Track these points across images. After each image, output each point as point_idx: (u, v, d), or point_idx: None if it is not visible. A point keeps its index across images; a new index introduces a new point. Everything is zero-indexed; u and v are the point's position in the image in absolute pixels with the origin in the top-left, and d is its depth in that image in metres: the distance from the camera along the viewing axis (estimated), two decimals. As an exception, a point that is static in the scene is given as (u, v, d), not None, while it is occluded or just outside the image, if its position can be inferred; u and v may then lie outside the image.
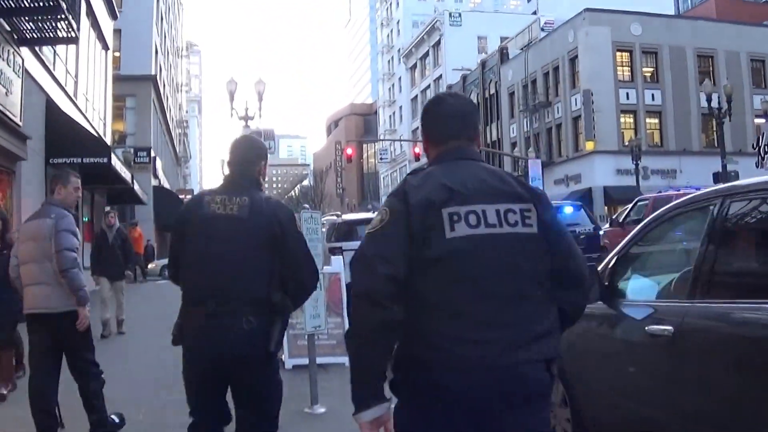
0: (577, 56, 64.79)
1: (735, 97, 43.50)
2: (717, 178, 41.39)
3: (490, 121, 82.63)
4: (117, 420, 8.76)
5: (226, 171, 5.84)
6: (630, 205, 27.42)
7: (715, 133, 63.31)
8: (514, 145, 76.57)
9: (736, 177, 39.24)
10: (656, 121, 64.36)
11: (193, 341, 5.36)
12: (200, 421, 5.52)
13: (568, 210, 24.28)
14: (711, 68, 65.10)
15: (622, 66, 63.94)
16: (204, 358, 5.32)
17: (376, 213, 3.94)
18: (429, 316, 3.54)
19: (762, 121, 61.62)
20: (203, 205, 5.53)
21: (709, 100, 43.73)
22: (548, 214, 3.74)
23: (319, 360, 10.53)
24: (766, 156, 41.58)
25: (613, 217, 34.97)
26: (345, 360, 8.05)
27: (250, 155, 5.81)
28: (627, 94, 63.34)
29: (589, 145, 62.00)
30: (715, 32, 65.15)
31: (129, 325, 18.77)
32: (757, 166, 42.07)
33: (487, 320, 3.51)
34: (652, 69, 64.68)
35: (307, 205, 13.94)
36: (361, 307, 3.50)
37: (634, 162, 53.00)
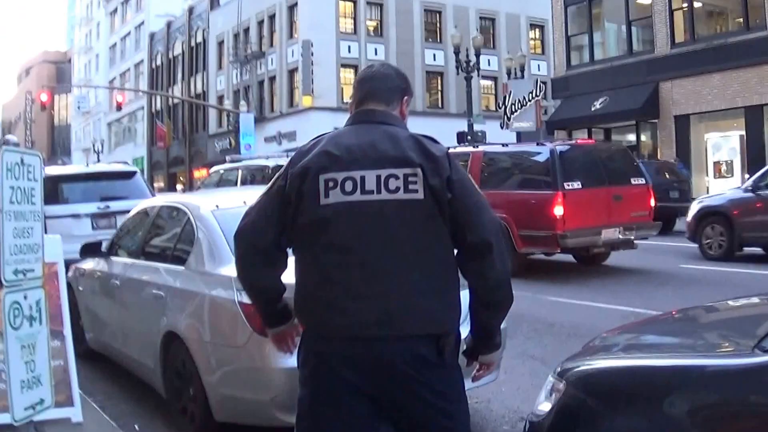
0: (296, 4, 59.39)
1: (463, 56, 40.11)
2: (462, 138, 37.80)
3: (195, 72, 76.47)
4: None
5: None
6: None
7: (439, 92, 62.10)
8: (221, 98, 70.32)
9: (484, 137, 37.22)
10: (379, 77, 59.51)
11: None
12: None
13: None
14: (438, 24, 62.02)
15: (345, 17, 59.14)
16: None
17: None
18: (305, 281, 3.66)
19: (486, 82, 59.77)
20: None
21: (457, 52, 39.75)
22: (437, 179, 3.54)
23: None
24: (512, 116, 38.56)
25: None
26: (71, 412, 6.03)
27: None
28: (349, 47, 58.67)
29: (306, 101, 56.95)
30: (445, -15, 61.54)
31: None
32: (502, 127, 40.01)
33: (357, 289, 3.51)
34: (376, 21, 60.37)
35: (12, 137, 6.77)
36: (237, 268, 3.86)
37: (356, 120, 48.32)
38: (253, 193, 4.25)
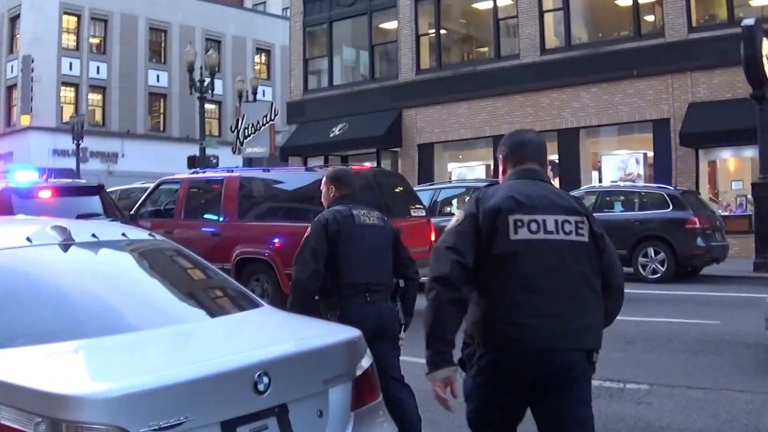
0: (19, 16, 52.65)
1: (197, 76, 35.08)
2: (194, 162, 33.36)
3: None
4: None
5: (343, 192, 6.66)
6: (148, 190, 18.07)
7: (162, 115, 57.39)
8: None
9: (217, 163, 34.23)
10: (100, 97, 54.69)
11: (357, 321, 5.38)
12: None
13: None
14: (163, 43, 57.17)
15: (68, 32, 52.87)
16: (368, 331, 5.17)
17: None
18: (492, 303, 3.99)
19: (210, 106, 57.23)
20: (355, 217, 6.24)
21: (191, 70, 33.97)
22: (598, 228, 4.15)
23: None
24: (245, 141, 34.98)
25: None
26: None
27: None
28: (71, 64, 52.44)
29: (25, 120, 50.59)
30: (171, 4, 56.42)
31: None
32: (234, 152, 35.84)
33: (539, 310, 3.91)
34: (100, 38, 54.49)
35: None
36: (435, 288, 3.96)
37: (75, 142, 44.23)
38: (32, 228, 3.83)
